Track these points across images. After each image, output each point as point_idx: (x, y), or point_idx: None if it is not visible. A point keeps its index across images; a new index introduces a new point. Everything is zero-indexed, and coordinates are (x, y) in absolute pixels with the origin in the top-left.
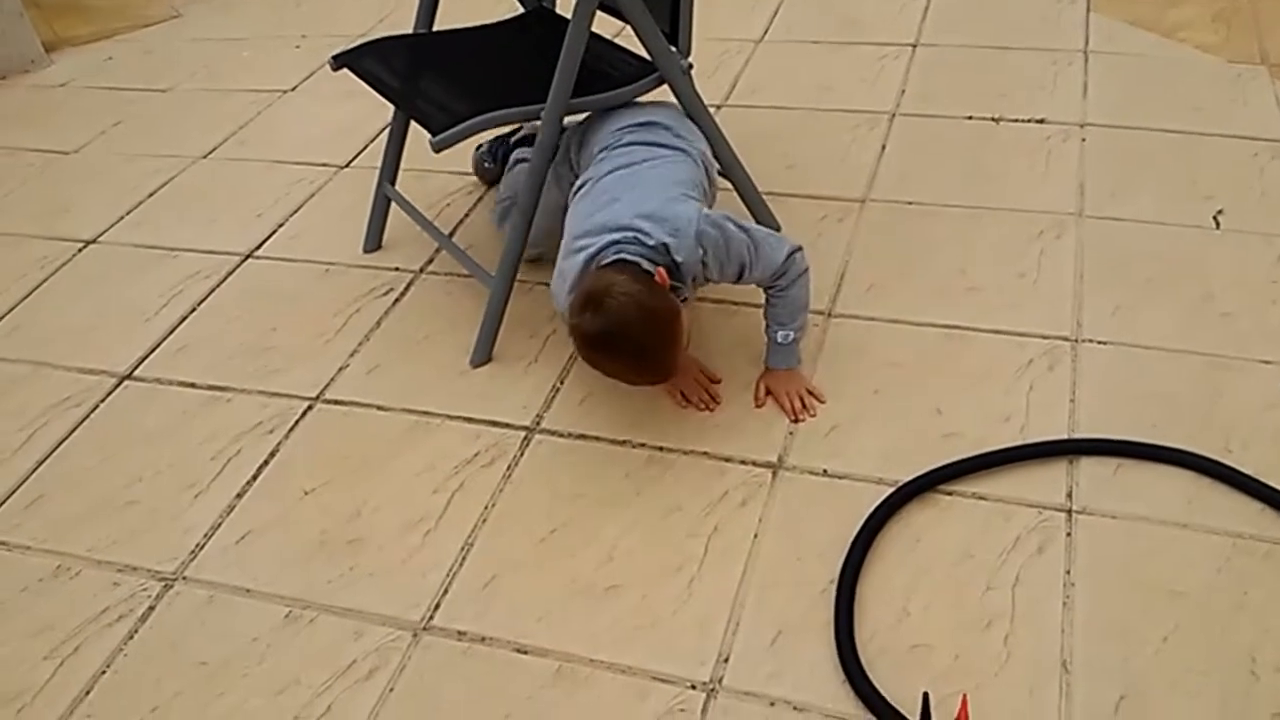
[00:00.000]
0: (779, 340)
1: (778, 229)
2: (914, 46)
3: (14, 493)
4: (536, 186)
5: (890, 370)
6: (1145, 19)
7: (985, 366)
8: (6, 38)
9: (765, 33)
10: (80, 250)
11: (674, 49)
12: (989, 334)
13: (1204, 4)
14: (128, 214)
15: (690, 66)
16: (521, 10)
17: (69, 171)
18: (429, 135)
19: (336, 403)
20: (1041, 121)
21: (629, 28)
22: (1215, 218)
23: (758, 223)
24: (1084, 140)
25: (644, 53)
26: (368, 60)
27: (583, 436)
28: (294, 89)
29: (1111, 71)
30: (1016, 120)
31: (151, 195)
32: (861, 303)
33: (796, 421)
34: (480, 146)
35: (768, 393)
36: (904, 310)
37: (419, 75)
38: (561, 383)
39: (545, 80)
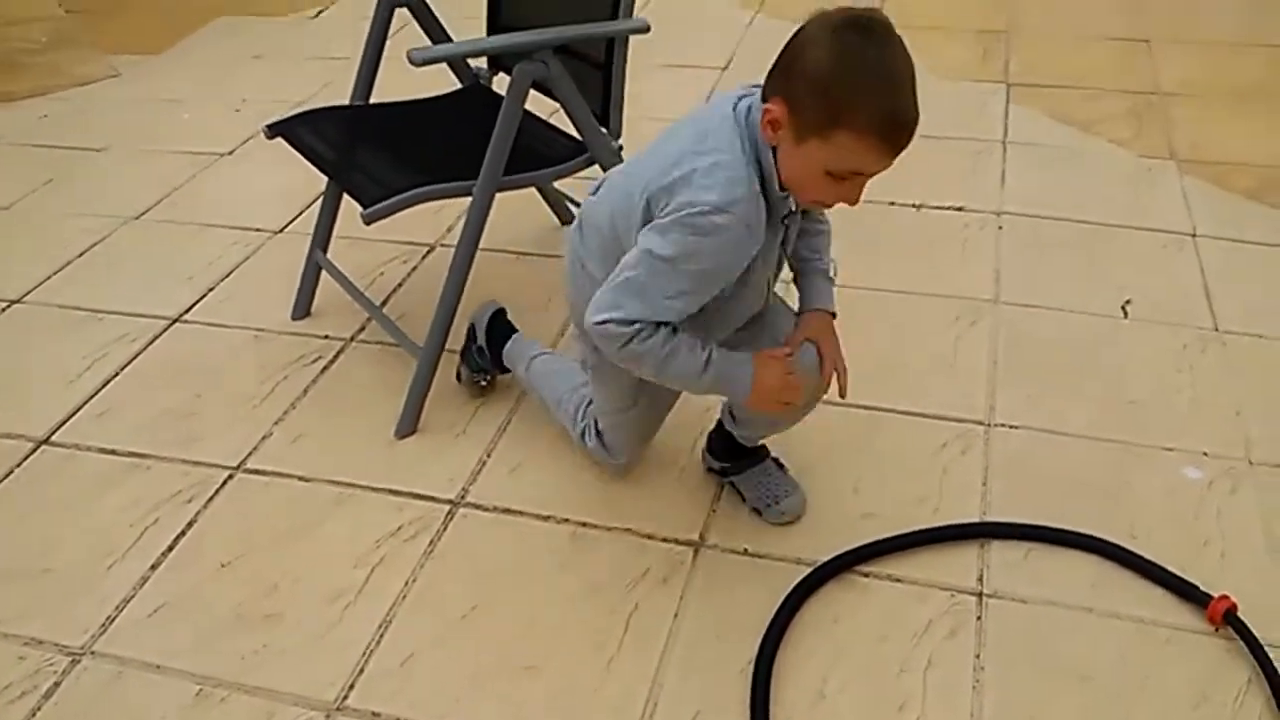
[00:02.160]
0: (830, 275)
1: None
2: None
3: None
4: (468, 258)
5: (810, 450)
6: (1063, 112)
7: (902, 448)
8: None
9: None
10: (4, 310)
11: (604, 130)
12: (906, 416)
13: (1119, 100)
14: (55, 274)
15: (620, 148)
16: (458, 86)
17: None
18: (360, 207)
19: (258, 472)
20: (960, 209)
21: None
22: (1124, 307)
23: None
24: (1000, 228)
25: (575, 132)
26: (302, 129)
27: (508, 511)
28: (231, 153)
29: (1028, 162)
30: (937, 208)
31: (81, 255)
32: None
33: (843, 396)
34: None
35: (816, 349)
36: None
37: (353, 146)
38: (489, 455)
39: (479, 157)
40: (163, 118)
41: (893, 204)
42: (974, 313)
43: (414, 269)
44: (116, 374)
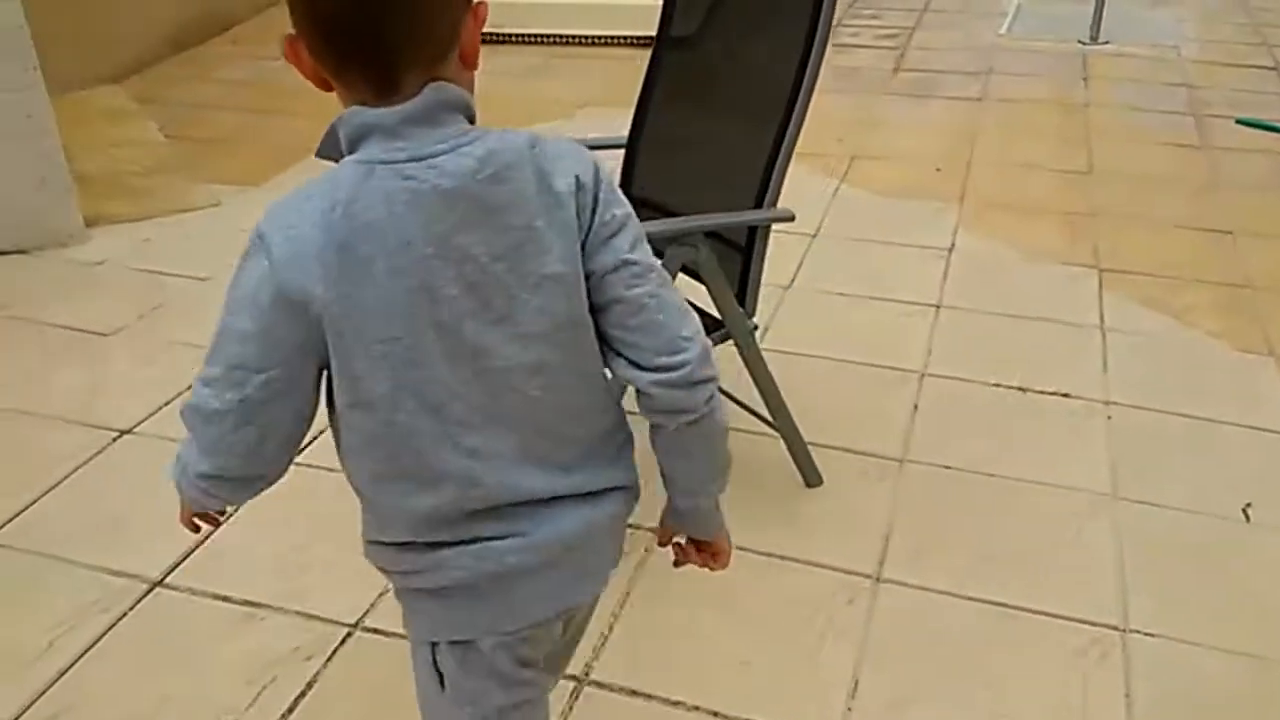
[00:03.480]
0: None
1: (820, 483)
2: (937, 308)
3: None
4: None
5: (945, 646)
6: (1155, 300)
7: (1038, 650)
8: (51, 212)
9: (793, 280)
10: (115, 440)
11: (741, 309)
12: (1038, 615)
13: (1209, 290)
14: (166, 405)
15: (755, 327)
16: None
17: (106, 353)
18: None
19: (377, 631)
20: (1066, 396)
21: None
22: (1245, 510)
23: (803, 475)
24: (1109, 418)
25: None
26: None
27: (635, 692)
28: None
29: (1128, 350)
30: (1042, 392)
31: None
32: (910, 569)
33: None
34: None
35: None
36: (952, 581)
37: None
38: (611, 629)
39: None
40: None
41: (997, 385)
42: (1094, 507)
43: None
44: (231, 514)
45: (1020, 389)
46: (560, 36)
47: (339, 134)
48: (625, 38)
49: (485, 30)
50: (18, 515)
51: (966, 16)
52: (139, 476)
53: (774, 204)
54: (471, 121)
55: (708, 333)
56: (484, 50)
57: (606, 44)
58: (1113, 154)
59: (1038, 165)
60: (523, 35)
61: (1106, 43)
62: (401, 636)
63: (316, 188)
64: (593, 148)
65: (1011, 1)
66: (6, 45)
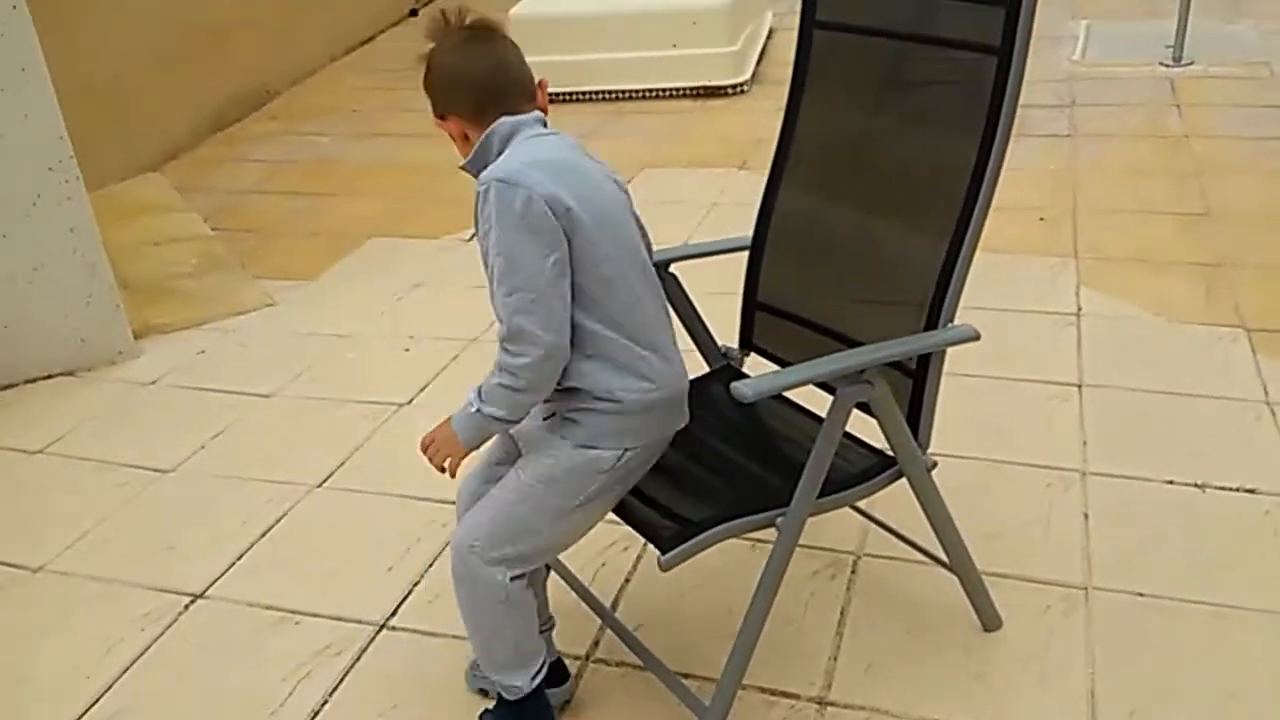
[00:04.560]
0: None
1: (1000, 625)
2: (1079, 386)
3: None
4: (770, 596)
5: None
6: None
7: None
8: (98, 328)
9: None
10: (187, 607)
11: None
12: None
13: None
14: (239, 559)
15: (934, 464)
16: (707, 369)
17: (168, 496)
18: (658, 552)
19: None
20: (1253, 492)
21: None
22: None
23: (980, 618)
24: None
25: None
26: None
27: None
28: (410, 402)
29: None
30: (1224, 489)
31: (264, 535)
32: None
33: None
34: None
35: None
36: None
37: None
38: None
39: (772, 475)
40: (328, 356)
41: (1171, 482)
42: None
43: (639, 558)
44: (325, 701)
45: (1198, 486)
46: (611, 92)
47: (491, 142)
48: (679, 90)
49: None
50: (81, 717)
51: (1035, 42)
52: (218, 656)
53: (950, 320)
54: None
55: (879, 471)
56: None
57: (659, 97)
58: (1228, 191)
59: (1149, 209)
60: (571, 94)
61: (1190, 63)
62: None
63: (512, 155)
64: (715, 253)
65: (1079, 23)
66: (48, 158)
